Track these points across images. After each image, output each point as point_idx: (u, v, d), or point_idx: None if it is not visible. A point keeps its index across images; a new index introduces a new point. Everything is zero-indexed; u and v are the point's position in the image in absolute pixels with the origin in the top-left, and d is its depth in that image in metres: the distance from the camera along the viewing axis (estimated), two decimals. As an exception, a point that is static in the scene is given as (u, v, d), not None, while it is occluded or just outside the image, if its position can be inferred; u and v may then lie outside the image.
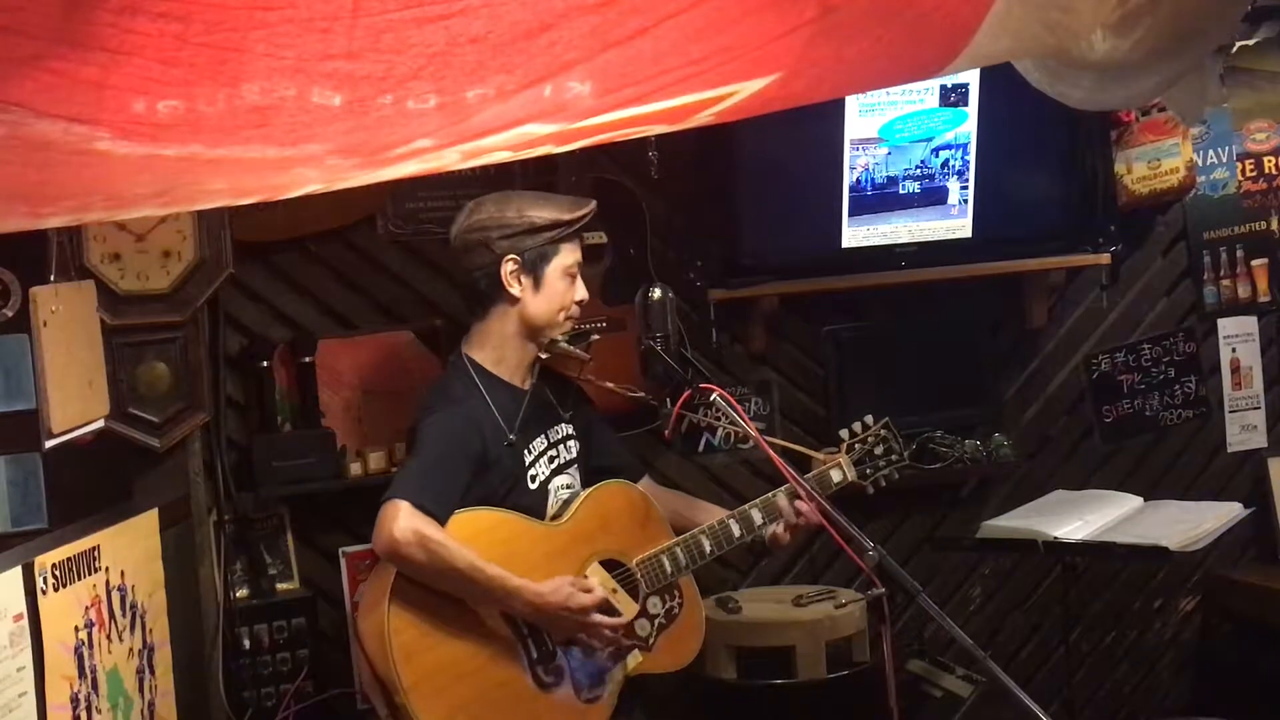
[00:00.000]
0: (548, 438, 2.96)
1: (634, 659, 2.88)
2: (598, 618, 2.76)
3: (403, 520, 2.61)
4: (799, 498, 2.92)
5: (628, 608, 2.86)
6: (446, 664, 2.67)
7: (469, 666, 2.70)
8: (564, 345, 2.95)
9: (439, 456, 2.76)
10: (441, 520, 2.67)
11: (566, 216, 2.89)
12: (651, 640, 2.90)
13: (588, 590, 2.78)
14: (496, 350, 2.92)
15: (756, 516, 2.97)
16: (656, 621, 2.92)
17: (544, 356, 2.98)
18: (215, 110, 1.45)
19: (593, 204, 2.97)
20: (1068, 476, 4.34)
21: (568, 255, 2.90)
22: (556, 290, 2.89)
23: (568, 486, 2.98)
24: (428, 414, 2.86)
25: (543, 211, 2.88)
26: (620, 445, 3.23)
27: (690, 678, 3.04)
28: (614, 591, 2.86)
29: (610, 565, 2.89)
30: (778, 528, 2.97)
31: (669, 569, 2.91)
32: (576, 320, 2.97)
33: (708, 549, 2.93)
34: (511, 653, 2.76)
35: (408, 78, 1.50)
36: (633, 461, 3.21)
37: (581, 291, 2.94)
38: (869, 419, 3.20)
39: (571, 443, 3.03)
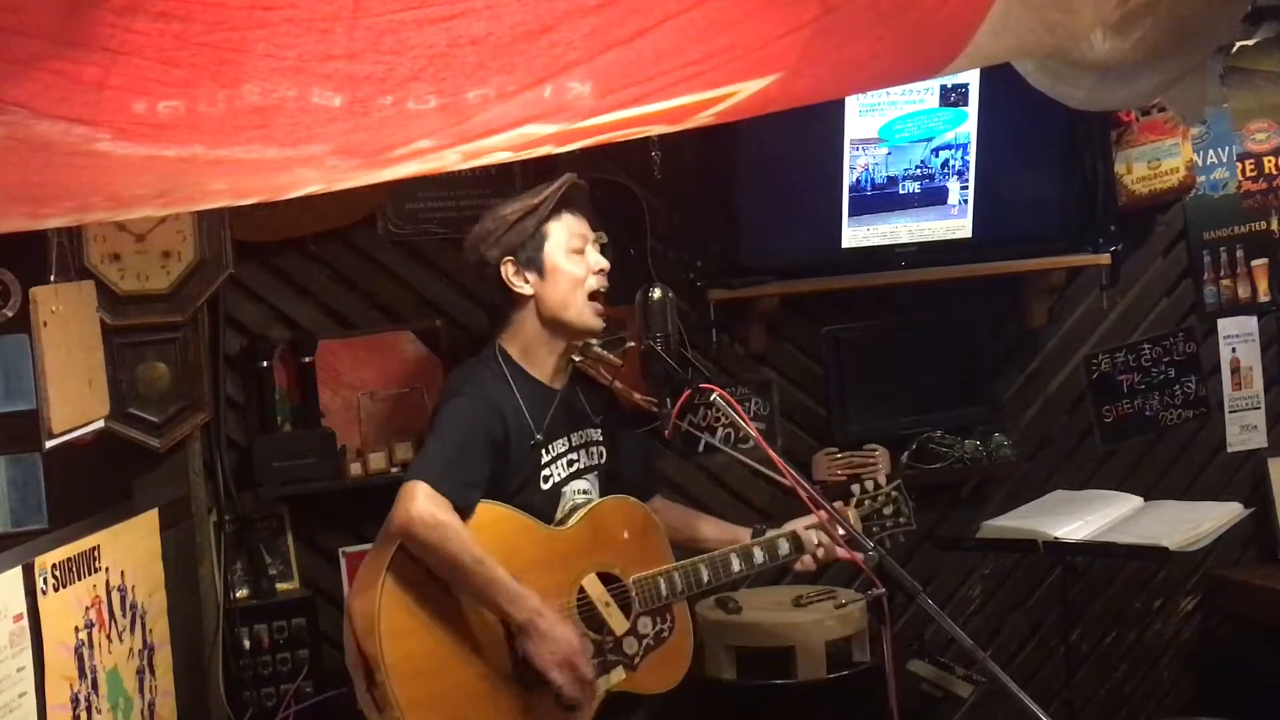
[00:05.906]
0: (570, 441, 2.95)
1: (617, 675, 2.84)
2: (578, 660, 2.69)
3: (420, 501, 2.62)
4: (802, 548, 2.98)
5: (619, 623, 2.84)
6: (431, 649, 2.66)
7: (453, 655, 2.68)
8: (598, 350, 2.95)
9: (461, 442, 2.75)
10: (460, 505, 2.67)
11: (534, 200, 2.92)
12: (638, 660, 2.87)
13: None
14: (525, 347, 2.93)
15: (758, 555, 2.99)
16: (645, 642, 2.89)
17: (577, 359, 2.99)
18: (215, 111, 1.44)
19: (566, 176, 2.96)
20: (1068, 476, 4.34)
21: (560, 231, 2.91)
22: (563, 270, 2.89)
23: (584, 492, 2.96)
24: (452, 396, 2.86)
25: (513, 205, 2.94)
26: (644, 461, 3.22)
27: (690, 678, 3.03)
28: (607, 605, 2.83)
29: (606, 580, 2.87)
30: (805, 559, 3.01)
31: (664, 592, 2.90)
32: (605, 291, 2.94)
33: (705, 578, 2.93)
34: (497, 647, 2.73)
35: (408, 78, 1.50)
36: (650, 479, 3.20)
37: (596, 259, 2.94)
38: (881, 479, 3.23)
39: (596, 449, 3.02)
